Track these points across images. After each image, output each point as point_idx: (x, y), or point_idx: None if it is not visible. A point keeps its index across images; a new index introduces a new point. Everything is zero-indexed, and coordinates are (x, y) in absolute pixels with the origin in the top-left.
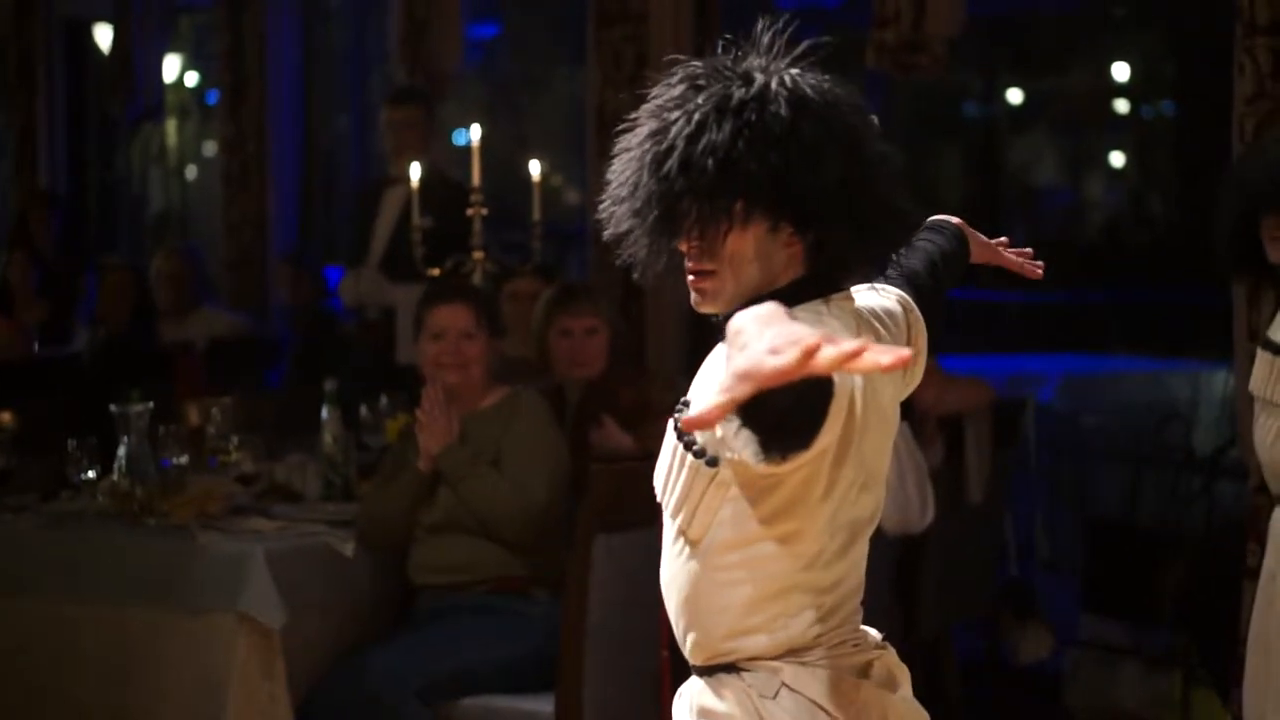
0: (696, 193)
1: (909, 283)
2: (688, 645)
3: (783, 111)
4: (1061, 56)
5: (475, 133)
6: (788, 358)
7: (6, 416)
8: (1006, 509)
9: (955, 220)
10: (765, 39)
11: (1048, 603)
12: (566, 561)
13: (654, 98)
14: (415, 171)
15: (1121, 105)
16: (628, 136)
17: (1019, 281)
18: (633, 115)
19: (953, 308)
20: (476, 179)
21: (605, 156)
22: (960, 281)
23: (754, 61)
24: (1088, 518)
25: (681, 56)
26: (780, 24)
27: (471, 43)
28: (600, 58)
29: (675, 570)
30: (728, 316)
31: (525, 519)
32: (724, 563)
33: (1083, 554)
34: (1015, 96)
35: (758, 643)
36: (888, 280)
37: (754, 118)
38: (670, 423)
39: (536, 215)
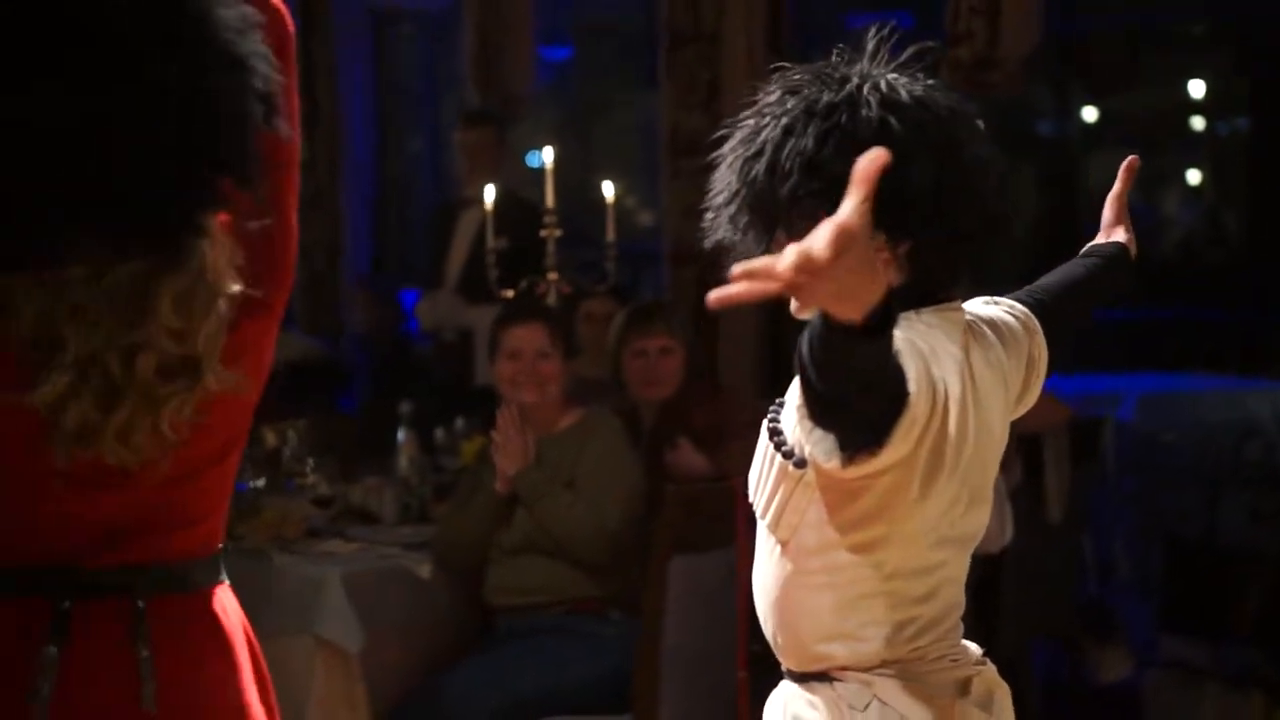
0: (783, 197)
1: (1039, 301)
2: (779, 648)
3: (873, 114)
4: (1135, 73)
5: (549, 155)
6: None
7: None
8: (1085, 528)
9: (1118, 241)
10: (871, 45)
11: (1127, 622)
12: (642, 582)
13: (756, 104)
14: (489, 193)
15: (1197, 122)
16: (728, 142)
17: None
18: (733, 121)
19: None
20: (550, 200)
21: (678, 177)
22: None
23: (855, 67)
24: (1167, 537)
25: (787, 65)
26: (888, 31)
27: (543, 64)
28: (672, 79)
29: (765, 572)
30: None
31: (601, 540)
32: (809, 566)
33: (1162, 573)
34: (1089, 114)
35: (843, 650)
36: (1016, 297)
37: (842, 120)
38: (765, 423)
39: (610, 236)
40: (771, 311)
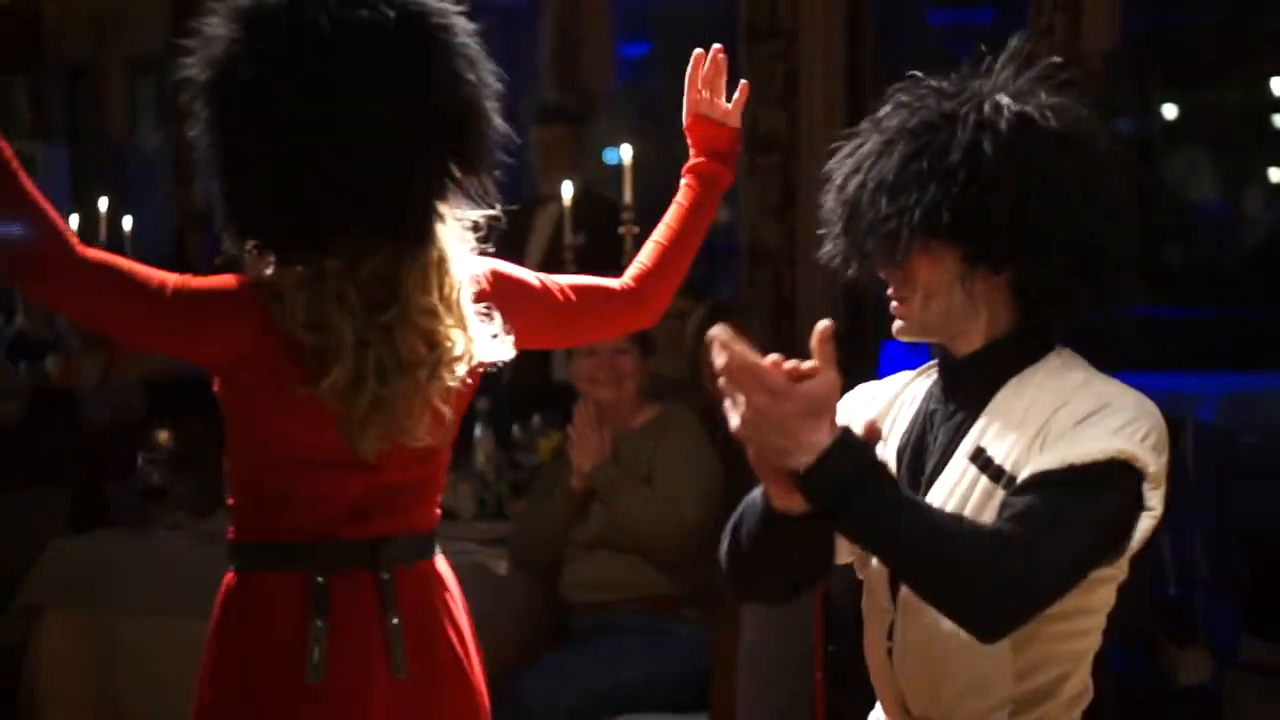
0: (871, 217)
1: None
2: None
3: (963, 137)
4: (1216, 71)
5: (626, 152)
6: None
7: (163, 435)
8: (1165, 528)
9: None
10: (1002, 59)
11: (1208, 624)
12: (719, 579)
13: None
14: (567, 190)
15: (1279, 120)
16: (837, 155)
17: (1175, 298)
18: (851, 130)
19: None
20: (628, 197)
21: (755, 174)
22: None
23: (973, 83)
24: (1249, 537)
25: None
26: (1017, 46)
27: (621, 60)
28: (751, 75)
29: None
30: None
31: (677, 536)
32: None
33: (1243, 575)
34: (1170, 111)
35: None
36: None
37: (933, 142)
38: (966, 451)
39: None
40: (852, 309)
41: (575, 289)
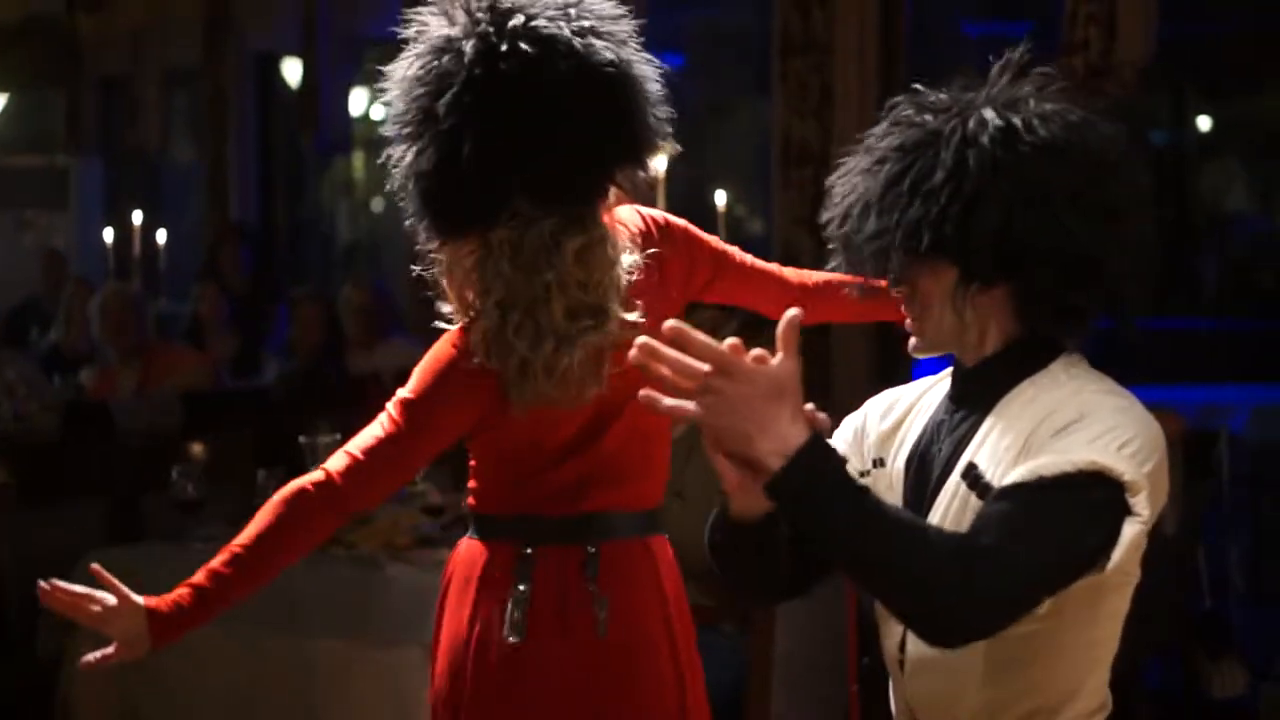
0: (860, 236)
1: None
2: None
3: (946, 155)
4: (1251, 82)
5: (660, 164)
6: None
7: (197, 448)
8: (1200, 542)
9: None
10: (994, 70)
11: (1243, 637)
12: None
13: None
14: None
15: None
16: (837, 171)
17: (1210, 310)
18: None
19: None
20: (662, 208)
21: (788, 187)
22: None
23: (968, 95)
24: None
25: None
26: (1021, 53)
27: None
28: (785, 87)
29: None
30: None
31: None
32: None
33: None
34: (1204, 123)
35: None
36: None
37: (918, 160)
38: (960, 467)
39: None
40: (884, 325)
41: (754, 263)
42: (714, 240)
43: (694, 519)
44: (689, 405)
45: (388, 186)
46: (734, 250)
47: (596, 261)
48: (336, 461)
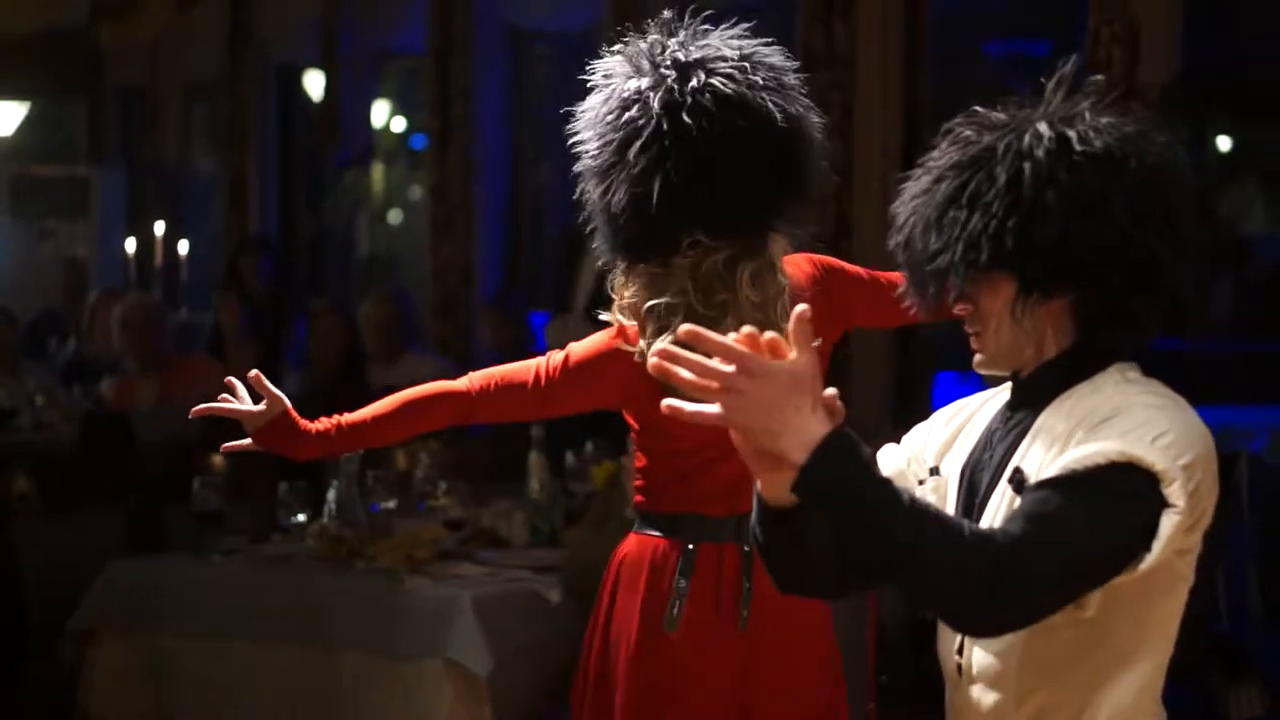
0: (921, 255)
1: None
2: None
3: (1001, 170)
4: (1272, 104)
5: None
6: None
7: (218, 460)
8: (1219, 563)
9: None
10: (1050, 87)
11: (1262, 659)
12: None
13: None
14: None
15: None
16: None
17: (1228, 331)
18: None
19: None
20: None
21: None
22: None
23: (1023, 113)
24: None
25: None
26: (1065, 71)
27: None
28: None
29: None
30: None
31: None
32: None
33: None
34: (1224, 144)
35: None
36: None
37: (975, 177)
38: (1008, 474)
39: None
40: (902, 344)
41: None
42: (859, 269)
43: None
44: (711, 409)
45: (407, 197)
46: (873, 272)
47: (766, 284)
48: (480, 379)
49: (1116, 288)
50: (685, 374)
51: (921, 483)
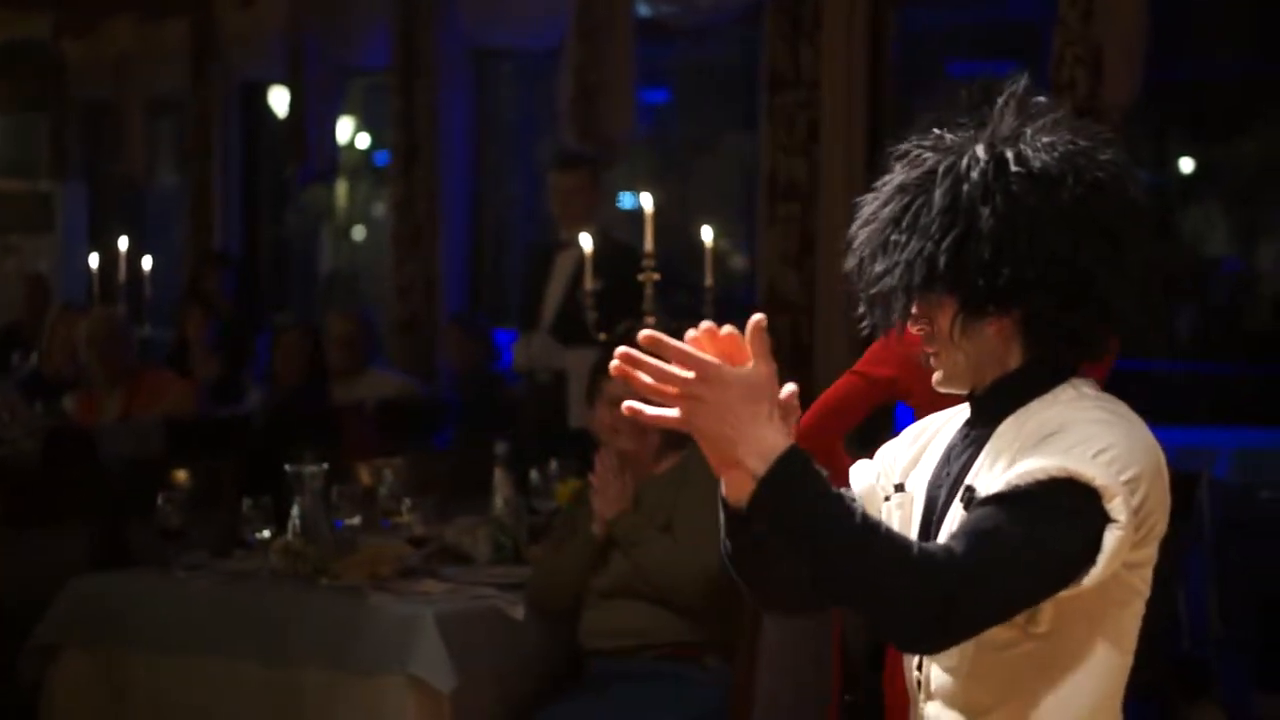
0: (869, 277)
1: None
2: None
3: (940, 192)
4: (1235, 124)
5: (648, 201)
6: None
7: (181, 475)
8: (1179, 584)
9: None
10: (999, 104)
11: (1221, 680)
12: (737, 626)
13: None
14: (587, 239)
15: None
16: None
17: (1190, 352)
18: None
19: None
20: (649, 245)
21: (774, 223)
22: None
23: (970, 132)
24: (1263, 594)
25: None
26: (1021, 87)
27: (641, 107)
28: (772, 123)
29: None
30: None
31: (699, 584)
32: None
33: (1258, 631)
34: (1186, 165)
35: None
36: None
37: (916, 199)
38: (960, 492)
39: (709, 281)
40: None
41: None
42: None
43: (682, 554)
44: (671, 413)
45: (371, 214)
46: None
47: None
48: None
49: (1054, 304)
50: (644, 378)
51: (888, 499)
